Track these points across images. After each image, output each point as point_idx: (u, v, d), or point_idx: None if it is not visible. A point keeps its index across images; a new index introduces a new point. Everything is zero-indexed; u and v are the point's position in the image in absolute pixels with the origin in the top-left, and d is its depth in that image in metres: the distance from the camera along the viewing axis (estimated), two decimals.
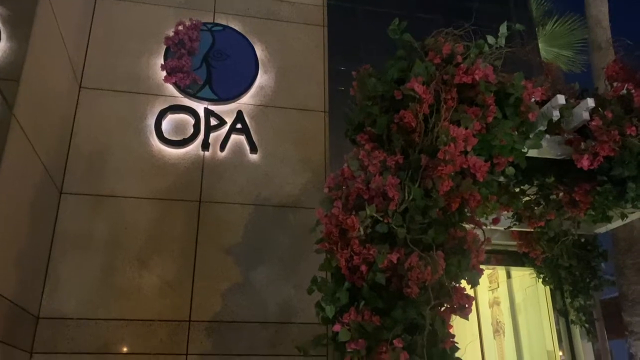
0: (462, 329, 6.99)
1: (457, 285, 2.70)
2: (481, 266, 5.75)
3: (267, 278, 4.02)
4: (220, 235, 4.05)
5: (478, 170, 2.83)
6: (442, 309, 2.70)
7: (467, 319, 2.72)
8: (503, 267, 6.01)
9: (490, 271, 6.42)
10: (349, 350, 2.58)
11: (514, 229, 4.76)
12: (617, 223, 4.85)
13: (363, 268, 2.63)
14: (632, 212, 3.92)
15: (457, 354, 2.63)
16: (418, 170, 2.78)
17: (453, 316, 2.65)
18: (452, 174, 2.80)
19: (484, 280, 6.70)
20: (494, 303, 6.37)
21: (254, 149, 4.28)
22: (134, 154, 4.10)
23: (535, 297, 5.59)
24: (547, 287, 5.40)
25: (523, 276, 5.78)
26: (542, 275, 5.33)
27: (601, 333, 11.01)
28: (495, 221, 3.49)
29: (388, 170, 2.80)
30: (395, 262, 2.61)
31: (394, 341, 2.50)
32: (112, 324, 3.68)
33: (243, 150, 4.29)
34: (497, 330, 6.26)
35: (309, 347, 2.71)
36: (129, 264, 3.84)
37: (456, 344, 2.78)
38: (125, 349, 3.64)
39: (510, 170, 3.06)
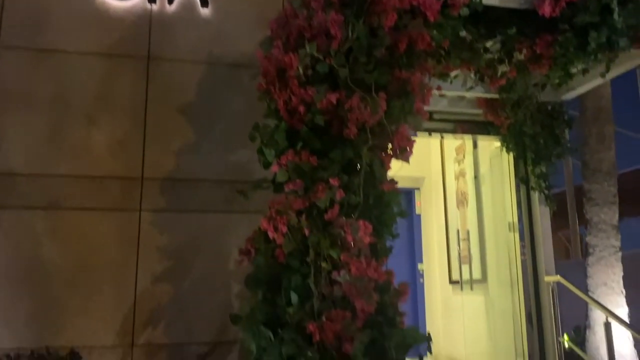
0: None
1: (399, 128, 2.63)
2: (447, 136, 5.77)
3: (221, 138, 3.94)
4: (171, 94, 3.91)
5: (428, 9, 2.66)
6: (384, 153, 2.66)
7: (407, 161, 2.69)
8: (470, 138, 6.01)
9: (459, 143, 6.43)
10: (287, 190, 2.56)
11: (477, 94, 4.68)
12: (582, 88, 4.78)
13: (301, 109, 2.54)
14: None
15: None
16: (363, 5, 2.60)
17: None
18: (402, 12, 2.63)
19: (450, 151, 6.77)
20: (460, 175, 6.45)
21: (204, 3, 4.01)
22: (75, 6, 3.82)
23: (499, 168, 5.64)
24: (511, 158, 5.44)
25: (489, 147, 5.79)
26: (507, 145, 5.34)
27: (572, 219, 11.36)
28: (438, 89, 3.32)
29: (331, 6, 2.62)
30: (334, 103, 2.52)
31: (330, 180, 2.48)
32: (63, 180, 3.64)
33: (193, 4, 4.02)
34: (461, 201, 6.40)
35: (248, 190, 2.69)
36: (77, 122, 3.73)
37: (397, 190, 2.77)
38: (77, 205, 3.63)
39: (465, 11, 2.89)
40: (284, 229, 2.41)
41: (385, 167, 2.66)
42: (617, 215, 5.37)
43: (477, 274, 5.91)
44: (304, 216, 2.51)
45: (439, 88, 2.96)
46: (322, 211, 2.52)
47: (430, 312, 7.09)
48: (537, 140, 5.05)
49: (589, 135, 5.46)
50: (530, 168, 5.22)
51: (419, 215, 7.53)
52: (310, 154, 2.54)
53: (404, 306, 7.28)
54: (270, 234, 2.43)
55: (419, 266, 7.40)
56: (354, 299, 2.39)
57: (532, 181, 5.20)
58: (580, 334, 5.41)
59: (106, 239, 3.63)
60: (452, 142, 6.62)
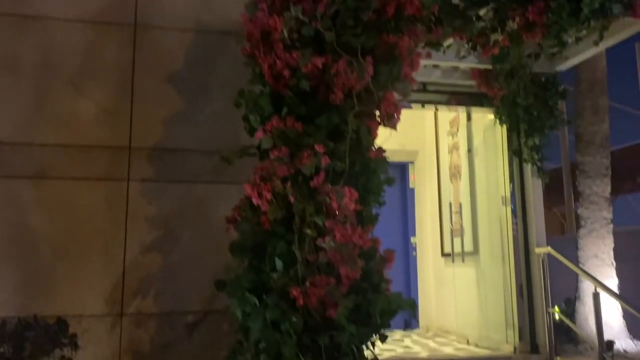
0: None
1: (386, 94, 2.59)
2: (442, 109, 5.73)
3: (211, 108, 3.89)
4: (159, 63, 3.84)
5: None
6: (371, 120, 2.62)
7: (394, 128, 2.65)
8: (464, 111, 5.97)
9: (453, 116, 6.39)
10: (272, 157, 2.53)
11: (471, 64, 4.63)
12: (577, 59, 4.72)
13: (286, 74, 2.49)
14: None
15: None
16: None
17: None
18: None
19: (444, 125, 6.74)
20: (453, 148, 6.42)
21: None
22: None
23: (493, 141, 5.62)
24: (505, 131, 5.41)
25: (482, 119, 5.76)
26: (500, 117, 5.30)
27: (568, 195, 11.34)
28: (428, 56, 3.26)
29: None
30: (320, 67, 2.47)
31: (316, 146, 2.45)
32: (49, 149, 3.59)
33: None
34: (454, 174, 6.38)
35: (233, 156, 2.66)
36: (63, 90, 3.67)
37: (384, 157, 2.74)
38: (64, 174, 3.59)
39: None
40: (269, 196, 2.39)
41: (373, 134, 2.63)
42: (609, 188, 5.37)
43: (468, 247, 5.93)
44: (289, 183, 2.49)
45: (428, 55, 2.91)
46: (308, 178, 2.50)
47: (422, 284, 7.14)
48: (531, 111, 5.02)
49: (583, 108, 5.42)
50: (523, 140, 5.20)
51: (413, 189, 7.53)
52: (296, 120, 2.50)
53: (396, 279, 7.35)
54: (255, 201, 2.41)
55: (412, 239, 7.42)
56: (339, 265, 2.38)
57: (525, 153, 5.19)
58: (570, 306, 5.46)
59: (94, 208, 3.61)
60: (446, 115, 6.58)
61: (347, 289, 2.41)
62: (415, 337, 6.31)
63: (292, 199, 2.46)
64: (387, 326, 2.51)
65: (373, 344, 2.56)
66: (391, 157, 7.39)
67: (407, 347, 5.50)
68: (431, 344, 5.72)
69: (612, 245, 5.29)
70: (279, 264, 2.38)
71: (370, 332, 2.42)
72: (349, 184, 2.54)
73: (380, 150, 2.76)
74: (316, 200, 2.46)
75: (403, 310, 2.54)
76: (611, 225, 5.33)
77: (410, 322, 7.12)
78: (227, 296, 2.52)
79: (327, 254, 2.40)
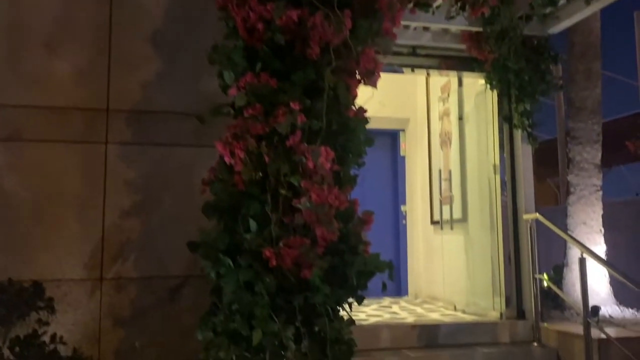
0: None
1: (365, 49, 2.49)
2: (433, 74, 5.60)
3: (191, 68, 3.77)
4: (137, 21, 3.71)
5: None
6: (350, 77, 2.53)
7: (374, 86, 2.56)
8: (455, 76, 5.86)
9: (444, 82, 6.28)
10: (246, 115, 2.45)
11: (461, 27, 4.50)
12: (569, 21, 4.59)
13: (260, 26, 2.39)
14: None
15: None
16: None
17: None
18: None
19: (436, 91, 6.62)
20: (444, 114, 6.33)
21: None
22: None
23: (484, 107, 5.52)
24: (495, 97, 5.30)
25: (473, 84, 5.65)
26: (490, 81, 5.19)
27: (562, 166, 11.26)
28: (412, 12, 3.17)
29: None
30: (296, 20, 2.37)
31: (291, 104, 2.36)
32: (23, 110, 3.49)
33: None
34: (445, 141, 6.30)
35: (207, 116, 2.57)
36: (37, 50, 3.55)
37: (366, 118, 2.66)
38: (39, 136, 3.50)
39: None
40: (242, 155, 2.31)
41: (352, 92, 2.54)
42: (599, 155, 5.30)
43: (457, 214, 5.89)
44: (264, 142, 2.41)
45: (412, 11, 2.80)
46: (283, 137, 2.42)
47: (412, 252, 7.13)
48: (522, 76, 4.90)
49: (576, 72, 5.31)
50: (514, 106, 5.10)
51: (404, 157, 7.45)
52: (271, 76, 2.41)
53: (386, 247, 7.31)
54: (227, 159, 2.33)
55: (402, 208, 7.39)
56: (314, 226, 2.32)
57: (516, 119, 5.10)
58: (559, 273, 5.45)
59: (71, 172, 3.53)
60: (438, 81, 6.46)
61: (323, 250, 2.36)
62: (403, 303, 6.33)
63: (267, 159, 2.38)
64: (364, 288, 2.47)
65: (350, 306, 2.52)
66: (382, 125, 7.31)
67: (394, 313, 5.51)
68: (418, 310, 5.73)
69: (600, 212, 5.25)
70: (252, 225, 2.32)
71: (346, 294, 2.38)
72: (327, 144, 2.46)
73: (361, 110, 2.68)
74: (292, 160, 2.38)
75: (381, 272, 2.50)
76: (600, 193, 5.28)
77: (400, 290, 7.15)
78: (200, 258, 2.46)
79: (302, 215, 2.34)
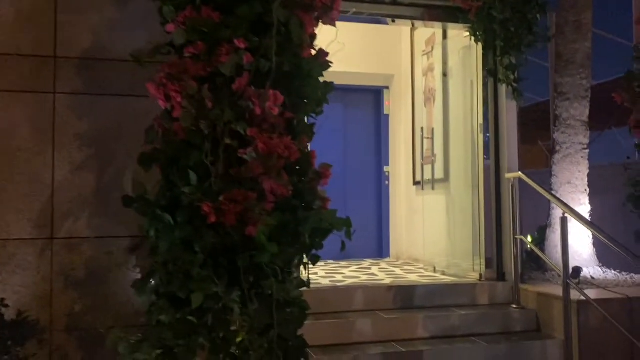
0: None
1: None
2: (418, 24, 5.28)
3: (145, 14, 3.43)
4: None
5: None
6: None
7: (333, 25, 2.30)
8: (440, 28, 5.56)
9: (429, 35, 5.97)
10: (186, 54, 2.19)
11: None
12: None
13: None
14: None
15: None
16: None
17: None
18: None
19: (420, 45, 6.32)
20: (428, 70, 6.04)
21: None
22: None
23: (468, 61, 5.25)
24: (480, 51, 5.02)
25: (458, 37, 5.35)
26: (475, 33, 4.91)
27: (552, 127, 11.07)
28: None
29: None
30: None
31: (236, 41, 2.10)
32: None
33: None
34: (429, 98, 6.04)
35: (144, 57, 2.31)
36: None
37: (328, 62, 2.41)
38: None
39: None
40: (179, 98, 2.06)
41: (307, 29, 2.27)
42: (587, 111, 5.07)
43: (439, 174, 5.68)
44: (206, 86, 2.16)
45: None
46: (229, 80, 2.17)
47: (394, 214, 6.96)
48: (508, 26, 4.63)
49: (565, 24, 5.02)
50: (499, 59, 4.83)
51: (387, 115, 7.20)
52: (213, 9, 2.14)
53: (369, 209, 7.11)
54: (162, 104, 2.09)
55: (385, 169, 7.17)
56: (262, 179, 2.10)
57: (500, 73, 4.84)
58: (543, 234, 5.29)
59: (16, 123, 3.26)
60: (423, 35, 6.15)
61: (272, 206, 2.14)
62: (383, 265, 6.19)
63: (209, 104, 2.14)
64: (319, 247, 2.26)
65: (305, 266, 2.33)
66: (365, 81, 7.02)
67: (372, 274, 5.37)
68: (397, 271, 5.59)
69: (586, 171, 5.05)
70: (192, 177, 2.09)
71: (297, 253, 2.18)
72: (279, 88, 2.22)
73: (322, 52, 2.41)
74: (237, 105, 2.14)
75: (338, 230, 2.29)
76: (587, 151, 5.08)
77: (381, 252, 7.01)
78: (136, 213, 2.25)
79: (249, 166, 2.11)
